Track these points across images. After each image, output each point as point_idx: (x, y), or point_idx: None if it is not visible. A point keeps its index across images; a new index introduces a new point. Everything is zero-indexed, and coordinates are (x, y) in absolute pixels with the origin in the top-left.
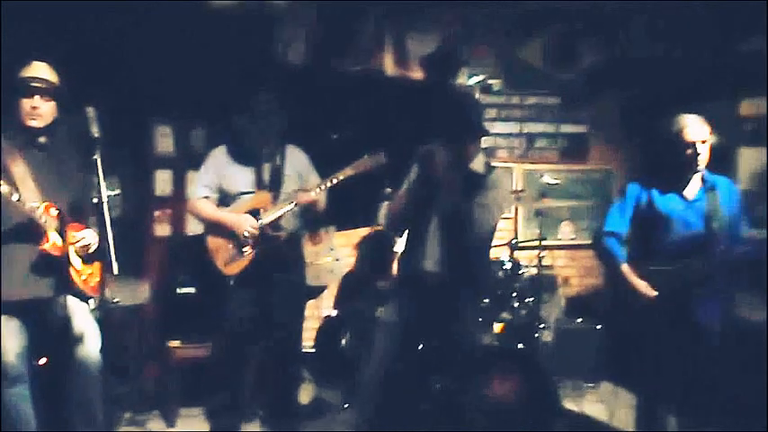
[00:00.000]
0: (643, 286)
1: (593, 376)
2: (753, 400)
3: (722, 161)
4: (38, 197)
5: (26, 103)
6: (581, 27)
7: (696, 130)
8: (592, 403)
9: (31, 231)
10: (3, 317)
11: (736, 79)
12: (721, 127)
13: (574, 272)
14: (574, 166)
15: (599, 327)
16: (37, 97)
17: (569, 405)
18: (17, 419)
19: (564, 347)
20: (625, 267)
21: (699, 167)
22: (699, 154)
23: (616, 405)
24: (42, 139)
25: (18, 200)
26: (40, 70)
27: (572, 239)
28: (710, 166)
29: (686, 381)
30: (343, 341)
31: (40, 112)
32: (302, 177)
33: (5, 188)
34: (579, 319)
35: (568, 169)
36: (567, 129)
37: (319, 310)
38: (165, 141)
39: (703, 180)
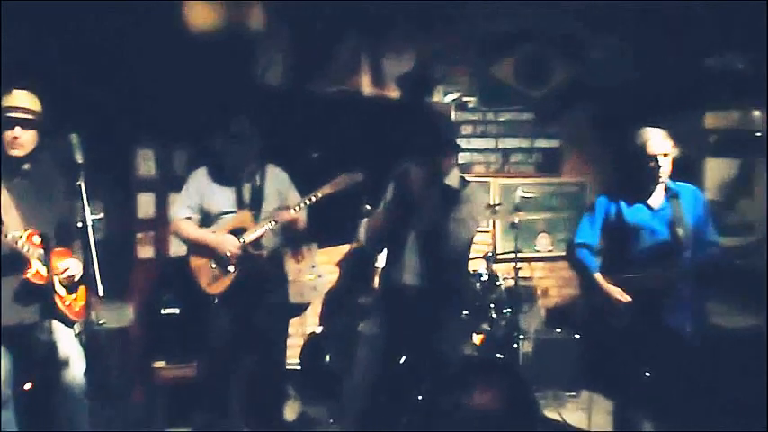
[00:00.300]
0: (617, 293)
1: (573, 385)
2: (727, 403)
3: (688, 172)
4: (21, 226)
5: (7, 135)
6: (551, 46)
7: (658, 143)
8: (572, 412)
9: (14, 260)
10: None
11: (701, 93)
12: (687, 139)
13: (552, 282)
14: (549, 180)
15: (577, 336)
16: (18, 128)
17: (550, 414)
18: None
19: (543, 357)
20: (598, 276)
21: (662, 179)
22: (661, 166)
23: (595, 412)
24: (26, 167)
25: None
26: (19, 99)
27: (549, 251)
28: (677, 177)
29: (660, 386)
30: (328, 357)
31: (22, 141)
32: (282, 196)
33: None
34: (558, 329)
35: (544, 183)
36: (542, 143)
37: (303, 326)
38: (146, 165)
39: (667, 189)
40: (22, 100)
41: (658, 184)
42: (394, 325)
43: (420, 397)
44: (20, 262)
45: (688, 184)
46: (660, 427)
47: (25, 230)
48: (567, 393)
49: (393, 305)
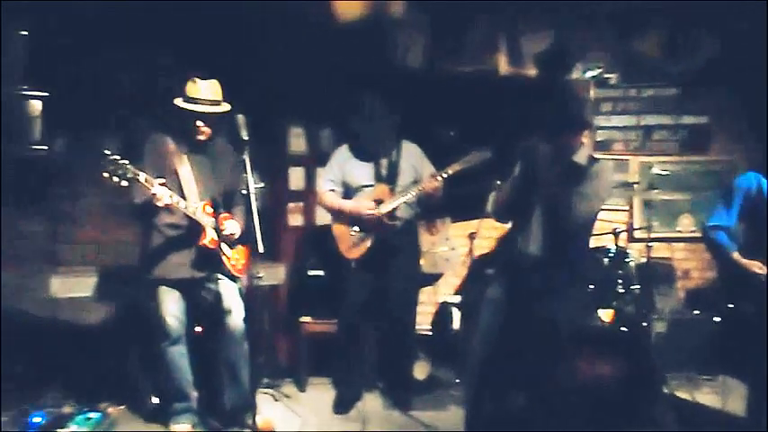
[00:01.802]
0: (756, 266)
1: (709, 368)
2: None
3: None
4: (198, 197)
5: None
6: (696, 19)
7: None
8: (706, 394)
9: (191, 227)
10: (165, 289)
11: None
12: None
13: (693, 264)
14: (694, 158)
15: (717, 319)
16: (200, 121)
17: (680, 394)
18: (177, 371)
19: (679, 338)
20: (736, 255)
21: None
22: None
23: (732, 397)
24: (206, 144)
25: (184, 207)
26: (204, 90)
27: (692, 231)
28: None
29: None
30: (457, 324)
31: (205, 129)
32: (416, 170)
33: (174, 198)
34: (696, 311)
35: (688, 161)
36: (687, 120)
37: (436, 295)
38: (297, 141)
39: None
40: (206, 90)
41: None
42: (517, 293)
43: (539, 363)
44: (197, 228)
45: None
46: None
47: (201, 200)
48: (703, 377)
49: (516, 272)
